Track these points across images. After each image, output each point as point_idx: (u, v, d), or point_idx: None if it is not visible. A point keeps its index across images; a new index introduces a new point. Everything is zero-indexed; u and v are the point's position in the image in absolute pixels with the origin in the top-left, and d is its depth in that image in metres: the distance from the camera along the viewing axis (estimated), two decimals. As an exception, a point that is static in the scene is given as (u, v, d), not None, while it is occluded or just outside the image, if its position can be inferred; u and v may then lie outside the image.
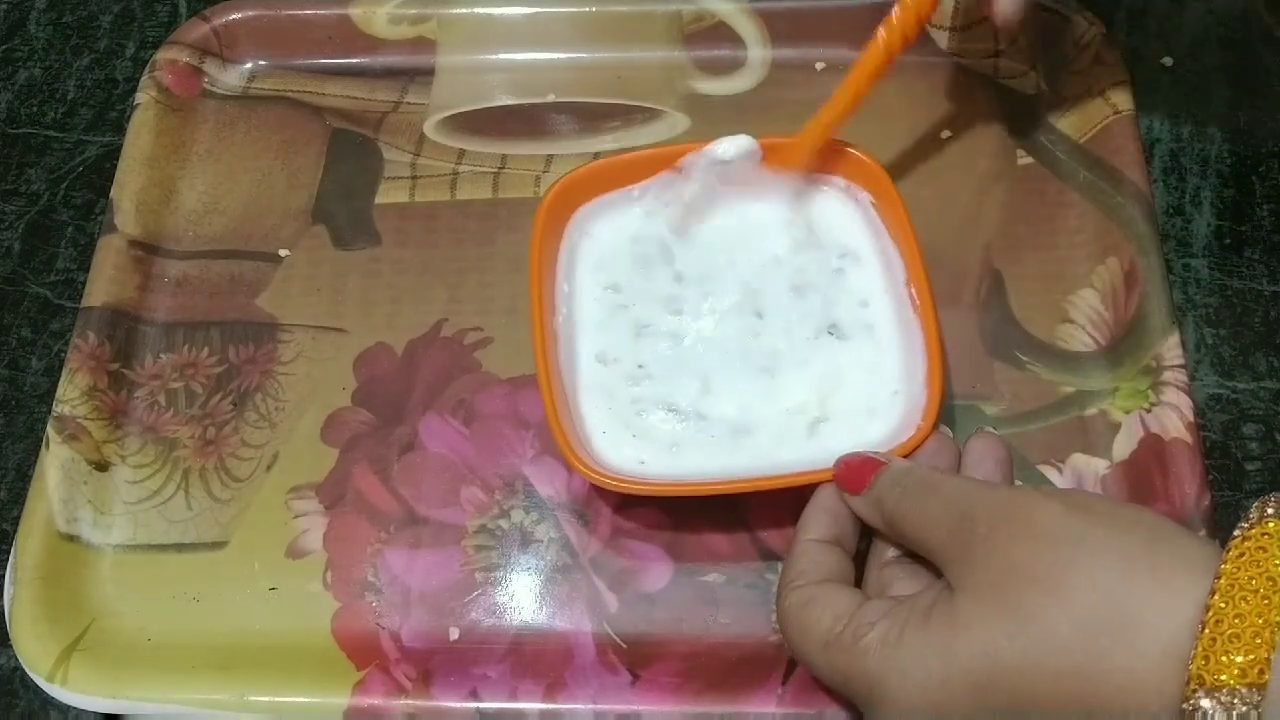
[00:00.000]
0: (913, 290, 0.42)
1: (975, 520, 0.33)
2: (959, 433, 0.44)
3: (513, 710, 0.40)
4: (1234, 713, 0.27)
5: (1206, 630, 0.28)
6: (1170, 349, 0.44)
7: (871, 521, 0.37)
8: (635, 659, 0.40)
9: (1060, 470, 0.43)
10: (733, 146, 0.45)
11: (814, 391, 0.42)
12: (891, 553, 0.37)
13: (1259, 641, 0.28)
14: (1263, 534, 0.29)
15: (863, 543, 0.39)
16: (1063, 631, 0.30)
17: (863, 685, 0.34)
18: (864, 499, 0.37)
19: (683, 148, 0.46)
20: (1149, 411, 0.44)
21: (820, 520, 0.38)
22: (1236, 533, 0.30)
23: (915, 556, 0.37)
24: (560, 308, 0.44)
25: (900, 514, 0.36)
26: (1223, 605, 0.28)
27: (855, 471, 0.38)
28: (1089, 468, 0.43)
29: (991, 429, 0.44)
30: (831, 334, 0.44)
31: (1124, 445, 0.43)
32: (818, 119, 0.44)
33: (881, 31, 0.43)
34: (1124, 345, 0.45)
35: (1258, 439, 0.45)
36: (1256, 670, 0.28)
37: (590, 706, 0.39)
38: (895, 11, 0.43)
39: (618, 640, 0.41)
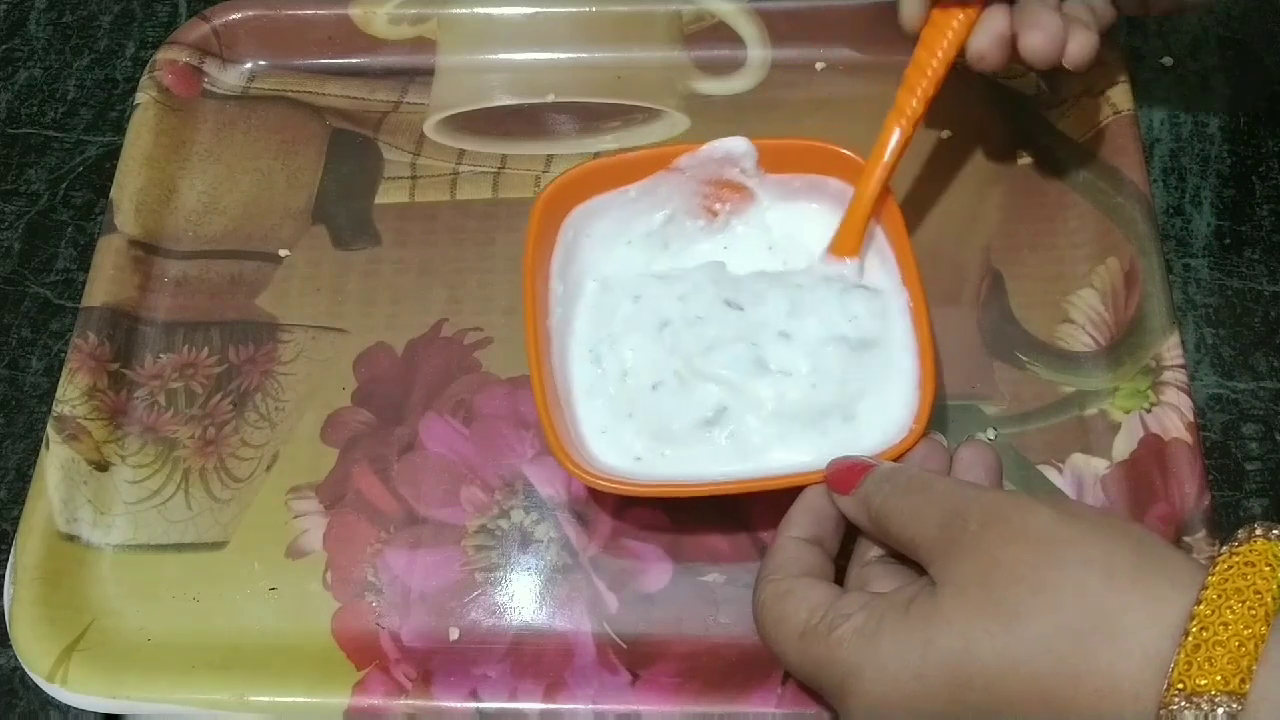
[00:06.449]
0: (907, 294, 0.42)
1: (966, 518, 0.33)
2: (958, 433, 0.44)
3: (513, 710, 0.40)
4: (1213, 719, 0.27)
5: (1190, 637, 0.28)
6: (1170, 349, 0.44)
7: (858, 521, 0.37)
8: (635, 659, 0.40)
9: (1060, 470, 0.43)
10: (735, 145, 0.45)
11: (810, 394, 0.42)
12: (874, 552, 0.37)
13: (1243, 651, 0.28)
14: (1251, 550, 0.30)
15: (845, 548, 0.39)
16: (1044, 631, 0.30)
17: (835, 676, 0.33)
18: (852, 498, 0.37)
19: (678, 148, 0.46)
20: (1149, 411, 0.44)
21: (803, 519, 0.38)
22: (1224, 549, 0.30)
23: (898, 557, 0.37)
24: (554, 309, 0.44)
25: (888, 510, 0.36)
26: (1208, 614, 0.28)
27: (845, 473, 0.38)
28: (1089, 467, 0.43)
29: (983, 436, 0.44)
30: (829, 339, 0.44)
31: (1124, 445, 0.43)
32: (859, 197, 0.44)
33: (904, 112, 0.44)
34: (1124, 345, 0.45)
35: (1258, 439, 0.45)
36: (1238, 679, 0.28)
37: (590, 706, 0.39)
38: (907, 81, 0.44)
39: (618, 640, 0.41)
